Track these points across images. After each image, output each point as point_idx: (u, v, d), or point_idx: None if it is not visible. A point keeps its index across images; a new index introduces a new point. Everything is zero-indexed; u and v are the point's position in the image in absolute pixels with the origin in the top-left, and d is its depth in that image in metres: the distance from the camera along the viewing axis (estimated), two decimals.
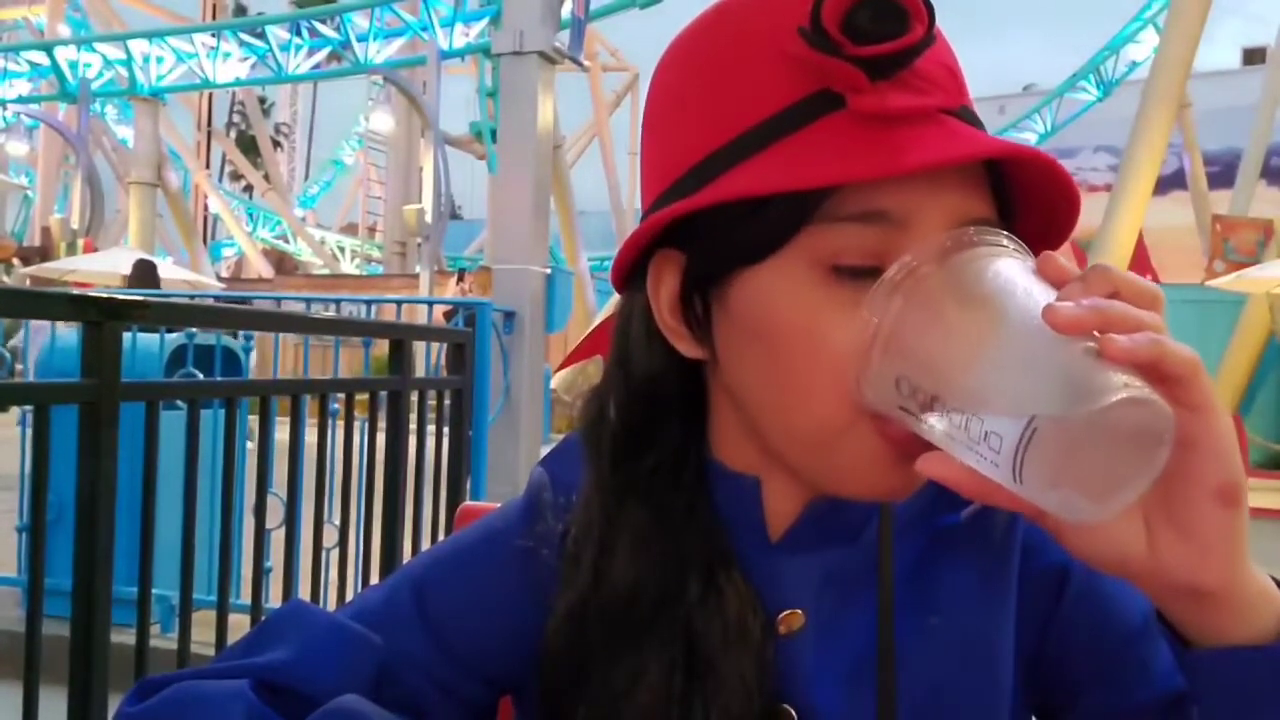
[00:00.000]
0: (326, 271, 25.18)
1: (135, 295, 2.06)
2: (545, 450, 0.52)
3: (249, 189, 31.51)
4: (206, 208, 26.41)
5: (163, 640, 2.58)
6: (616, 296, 0.59)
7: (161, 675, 0.56)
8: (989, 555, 0.58)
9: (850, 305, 0.48)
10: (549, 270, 6.13)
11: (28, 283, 12.05)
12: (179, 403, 2.32)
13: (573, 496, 0.61)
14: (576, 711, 0.56)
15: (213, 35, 17.39)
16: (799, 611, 0.56)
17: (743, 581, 0.55)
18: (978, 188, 0.51)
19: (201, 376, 2.87)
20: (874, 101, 0.48)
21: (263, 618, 2.42)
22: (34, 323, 4.82)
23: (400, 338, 2.85)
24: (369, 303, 6.02)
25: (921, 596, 0.57)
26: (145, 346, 3.20)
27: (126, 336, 1.85)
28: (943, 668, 0.56)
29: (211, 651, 2.18)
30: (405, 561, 2.40)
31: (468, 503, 0.81)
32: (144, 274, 7.16)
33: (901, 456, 0.49)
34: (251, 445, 2.75)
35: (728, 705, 0.52)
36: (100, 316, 1.66)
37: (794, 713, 0.55)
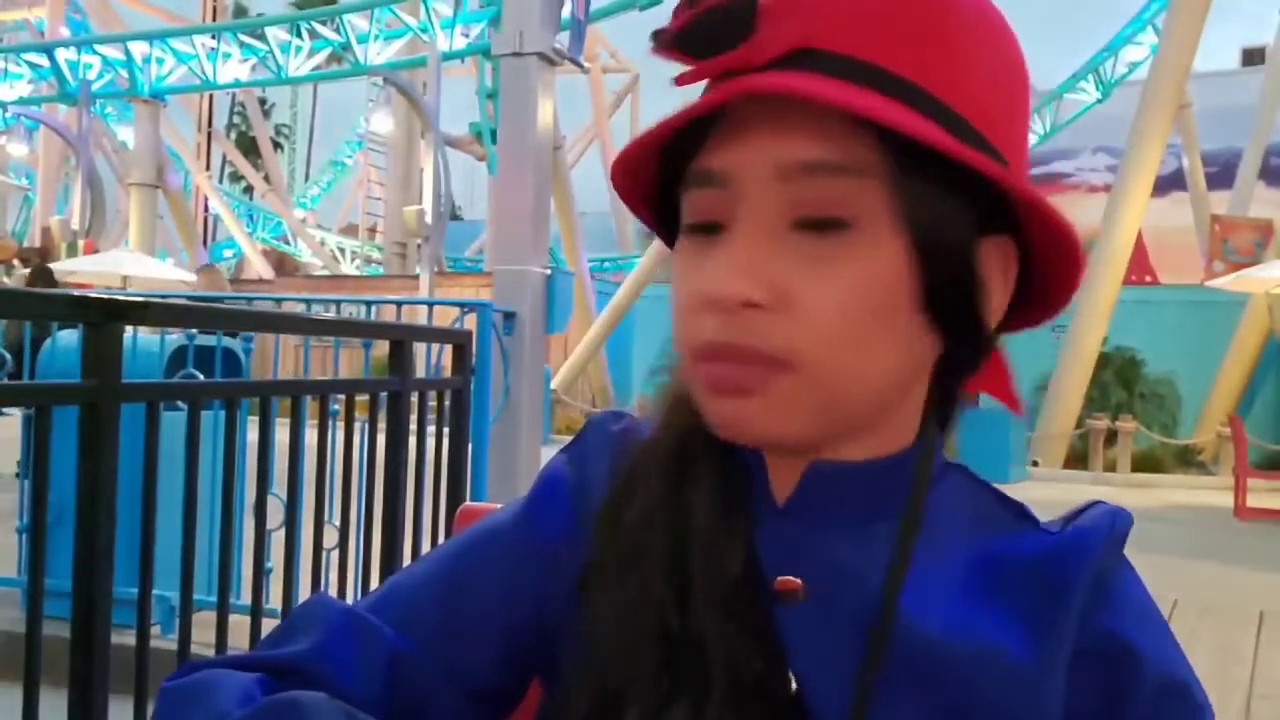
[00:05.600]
0: (326, 272, 25.19)
1: (137, 297, 2.07)
2: (545, 450, 0.53)
3: (249, 190, 31.52)
4: (207, 209, 26.42)
5: (163, 641, 2.58)
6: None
7: (202, 659, 0.59)
8: (1040, 591, 0.56)
9: (695, 258, 0.53)
10: (549, 271, 6.14)
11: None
12: (179, 404, 2.32)
13: (592, 476, 0.62)
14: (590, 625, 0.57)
15: (213, 36, 17.41)
16: (797, 581, 0.56)
17: (744, 527, 0.56)
18: (814, 131, 0.50)
19: (202, 377, 2.88)
20: (681, 77, 0.53)
21: (263, 618, 2.42)
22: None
23: (400, 338, 2.86)
24: (369, 304, 6.02)
25: (958, 609, 0.56)
26: (145, 347, 3.20)
27: (126, 337, 1.85)
28: (954, 672, 0.55)
29: (211, 652, 2.18)
30: (405, 562, 2.38)
31: (468, 503, 0.81)
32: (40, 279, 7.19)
33: (713, 390, 0.53)
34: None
35: (718, 623, 0.53)
36: (100, 317, 1.66)
37: (794, 680, 0.54)
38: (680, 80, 0.53)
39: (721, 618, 0.53)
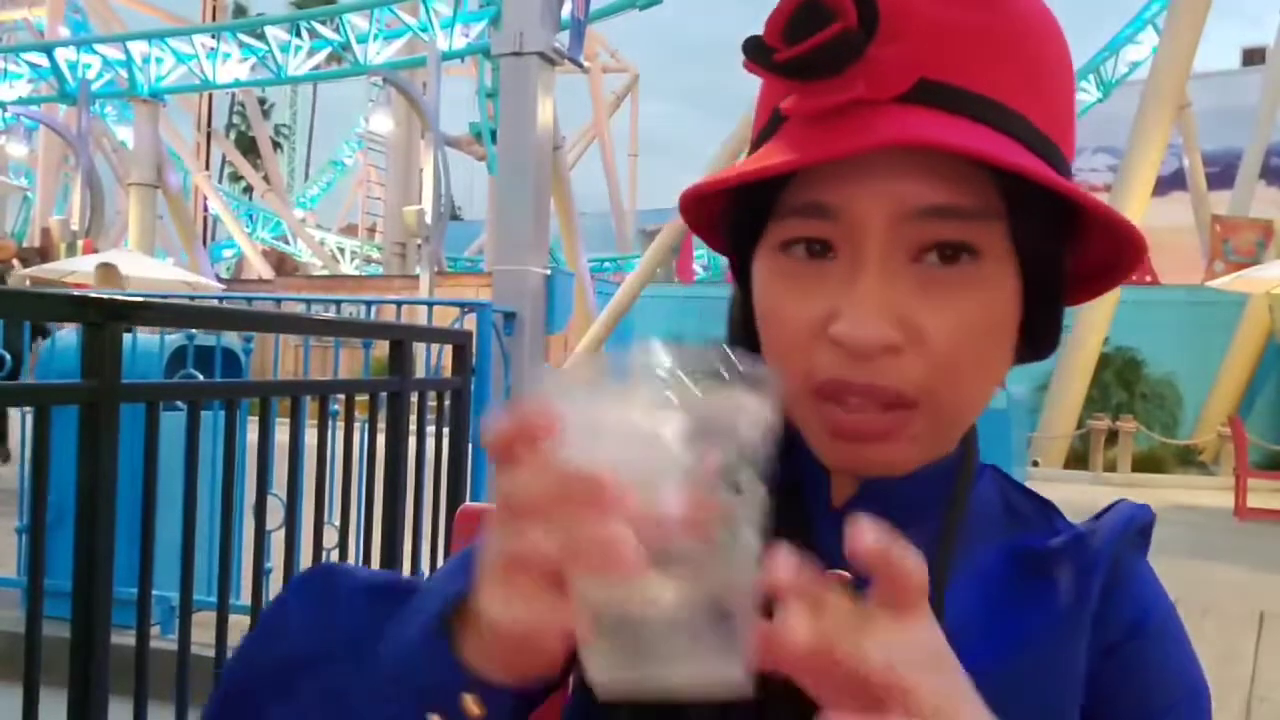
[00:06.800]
0: (326, 272, 25.19)
1: (136, 297, 2.08)
2: None
3: (249, 190, 31.51)
4: (206, 209, 26.42)
5: (163, 641, 2.58)
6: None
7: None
8: (1066, 576, 0.58)
9: (798, 290, 0.53)
10: (549, 271, 6.14)
11: (27, 284, 12.05)
12: (179, 404, 2.32)
13: None
14: None
15: (212, 36, 17.42)
16: (847, 575, 0.55)
17: (802, 533, 0.56)
18: (934, 174, 0.49)
19: (201, 377, 2.87)
20: (793, 104, 0.51)
21: None
22: None
23: (400, 338, 2.85)
24: (369, 304, 6.02)
25: (990, 600, 0.57)
26: (145, 347, 3.20)
27: (126, 337, 1.85)
28: (1002, 669, 0.55)
29: (211, 653, 2.18)
30: (405, 562, 2.36)
31: (468, 503, 0.81)
32: None
33: (838, 436, 0.53)
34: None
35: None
36: (100, 317, 1.66)
37: None
38: (791, 109, 0.51)
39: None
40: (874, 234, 0.50)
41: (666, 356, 0.40)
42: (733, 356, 0.40)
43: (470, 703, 0.45)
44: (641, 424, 0.38)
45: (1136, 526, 0.60)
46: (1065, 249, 0.54)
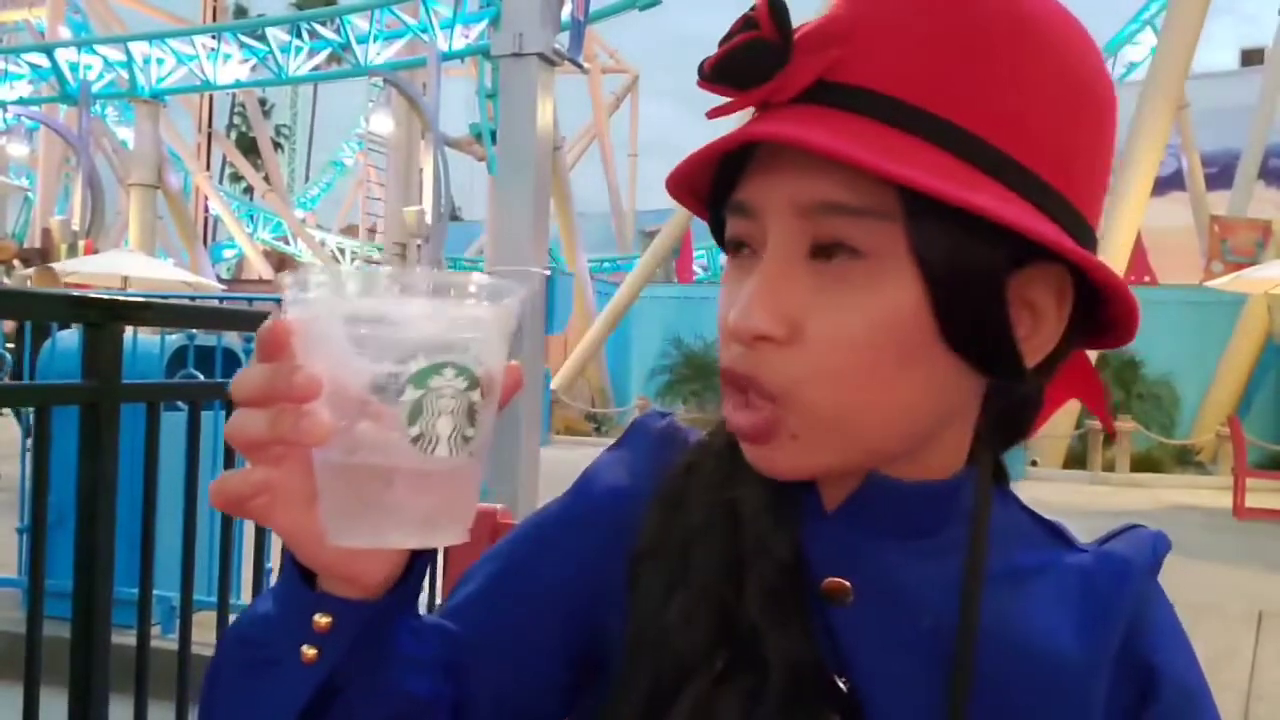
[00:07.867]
0: None
1: (137, 297, 2.09)
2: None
3: (249, 190, 31.50)
4: (207, 209, 26.41)
5: (163, 641, 2.58)
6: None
7: None
8: (1086, 604, 0.57)
9: (728, 286, 0.55)
10: (549, 272, 6.14)
11: (28, 284, 12.06)
12: (179, 404, 2.32)
13: (641, 471, 0.63)
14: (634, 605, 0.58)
15: (213, 37, 17.41)
16: (846, 583, 0.56)
17: (793, 521, 0.56)
18: (825, 171, 0.49)
19: (201, 377, 2.88)
20: (715, 108, 0.54)
21: None
22: None
23: None
24: None
25: (1011, 615, 0.57)
26: (145, 347, 3.20)
27: (127, 337, 1.85)
28: (1013, 678, 0.55)
29: (211, 653, 2.18)
30: None
31: None
32: None
33: (740, 436, 0.55)
34: None
35: (764, 595, 0.54)
36: (100, 318, 1.66)
37: (843, 685, 0.54)
38: (713, 113, 0.55)
39: (774, 604, 0.54)
40: (772, 228, 0.52)
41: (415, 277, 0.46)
42: (484, 279, 0.47)
43: (318, 618, 0.51)
44: (345, 329, 0.46)
45: (1156, 562, 0.60)
46: (1005, 272, 0.51)
